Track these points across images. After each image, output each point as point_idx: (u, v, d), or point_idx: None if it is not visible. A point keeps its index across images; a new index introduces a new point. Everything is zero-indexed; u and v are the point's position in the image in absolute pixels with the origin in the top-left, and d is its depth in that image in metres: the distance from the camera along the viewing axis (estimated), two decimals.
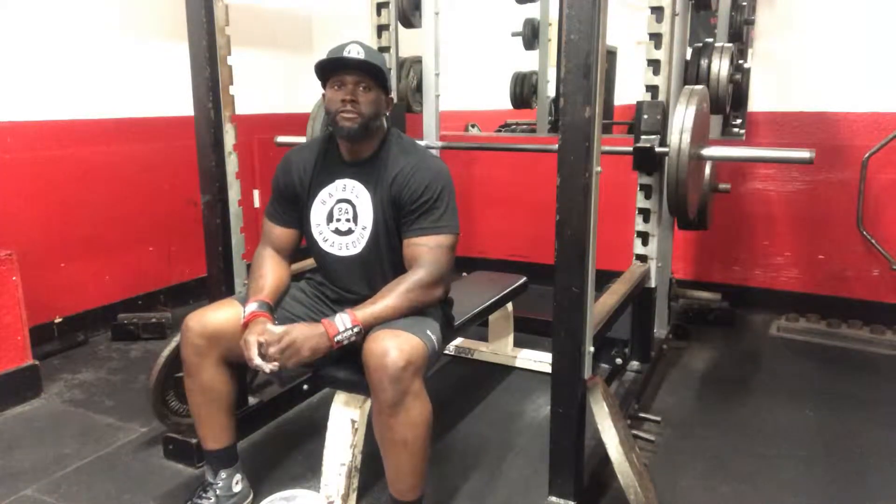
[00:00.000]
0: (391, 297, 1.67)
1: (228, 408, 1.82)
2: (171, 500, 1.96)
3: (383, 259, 1.80)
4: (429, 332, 1.65)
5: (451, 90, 3.19)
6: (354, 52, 1.69)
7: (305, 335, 1.58)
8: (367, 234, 1.79)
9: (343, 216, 1.81)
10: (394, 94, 2.96)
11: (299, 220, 1.89)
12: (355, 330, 1.62)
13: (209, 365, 1.74)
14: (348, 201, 1.80)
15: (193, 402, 1.80)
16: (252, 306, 1.71)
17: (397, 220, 1.76)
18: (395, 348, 1.53)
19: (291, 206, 1.88)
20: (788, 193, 3.42)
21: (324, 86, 1.77)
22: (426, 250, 1.71)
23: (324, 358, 1.64)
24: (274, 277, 1.83)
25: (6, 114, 2.87)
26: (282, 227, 1.89)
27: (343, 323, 1.61)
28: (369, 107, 1.72)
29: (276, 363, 1.57)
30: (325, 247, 1.83)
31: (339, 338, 1.61)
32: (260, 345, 1.58)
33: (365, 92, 1.72)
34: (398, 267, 1.78)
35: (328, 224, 1.82)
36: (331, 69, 1.72)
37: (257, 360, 1.58)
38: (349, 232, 1.80)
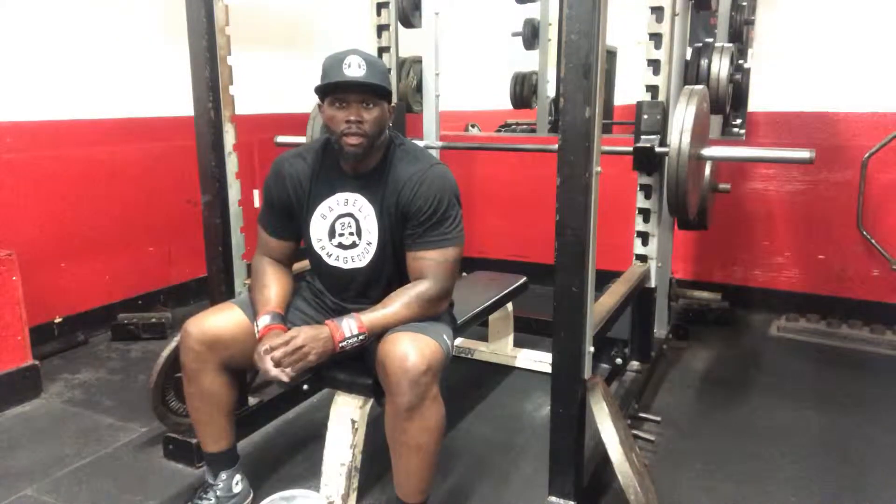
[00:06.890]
0: (397, 306, 1.64)
1: (228, 412, 1.81)
2: (171, 500, 1.96)
3: (389, 272, 1.77)
4: (444, 336, 1.65)
5: (451, 90, 3.19)
6: (355, 66, 1.59)
7: (313, 339, 1.56)
8: (372, 248, 1.74)
9: (346, 230, 1.74)
10: (394, 97, 2.95)
11: (296, 232, 1.84)
12: (360, 337, 1.60)
13: (209, 371, 1.72)
14: (351, 215, 1.74)
15: (193, 406, 1.78)
16: (265, 319, 1.67)
17: (403, 232, 1.72)
18: (415, 352, 1.51)
19: (286, 218, 1.81)
20: (788, 193, 3.42)
21: (321, 99, 1.66)
22: (433, 265, 1.68)
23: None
24: (279, 287, 1.78)
25: (6, 114, 2.86)
26: (278, 239, 1.83)
27: (350, 329, 1.59)
28: (374, 125, 1.63)
29: (289, 368, 1.54)
30: (330, 261, 1.77)
31: (343, 344, 1.58)
32: (268, 350, 1.55)
33: (369, 109, 1.62)
34: (403, 278, 1.75)
35: (331, 239, 1.75)
36: (332, 88, 1.63)
37: (273, 372, 1.54)
38: (353, 246, 1.75)
